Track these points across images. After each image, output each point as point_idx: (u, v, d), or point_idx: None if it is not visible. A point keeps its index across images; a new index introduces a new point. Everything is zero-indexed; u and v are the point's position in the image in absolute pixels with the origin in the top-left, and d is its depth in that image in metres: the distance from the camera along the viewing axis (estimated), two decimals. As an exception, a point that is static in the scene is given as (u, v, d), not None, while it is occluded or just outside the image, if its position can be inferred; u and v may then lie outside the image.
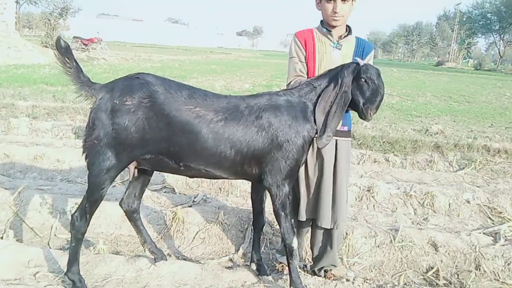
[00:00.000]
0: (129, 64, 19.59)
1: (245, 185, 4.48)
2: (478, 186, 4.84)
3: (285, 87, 2.82)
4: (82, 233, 2.54)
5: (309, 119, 2.52)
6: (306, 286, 2.68)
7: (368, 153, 5.95)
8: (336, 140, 2.79)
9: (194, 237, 3.51)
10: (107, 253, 3.16)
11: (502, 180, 5.21)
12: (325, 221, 2.83)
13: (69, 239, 3.36)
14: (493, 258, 3.29)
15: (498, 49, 63.00)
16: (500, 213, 4.28)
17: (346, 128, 2.86)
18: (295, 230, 3.02)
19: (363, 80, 2.47)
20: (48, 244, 3.39)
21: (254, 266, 2.96)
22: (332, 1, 2.66)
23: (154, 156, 2.45)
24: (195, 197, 4.05)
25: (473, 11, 61.70)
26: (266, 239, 3.50)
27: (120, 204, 2.87)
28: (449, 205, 4.38)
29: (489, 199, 4.43)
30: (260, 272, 2.91)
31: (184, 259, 3.25)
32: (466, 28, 62.98)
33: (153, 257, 2.94)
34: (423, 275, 3.25)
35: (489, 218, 4.23)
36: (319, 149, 2.77)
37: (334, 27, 2.75)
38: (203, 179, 4.54)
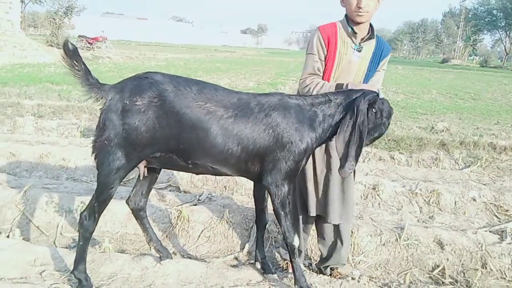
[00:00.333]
0: (134, 63, 19.62)
1: (250, 184, 4.43)
2: (484, 184, 4.81)
3: (298, 82, 2.80)
4: (90, 232, 2.55)
5: (315, 128, 2.52)
6: (311, 284, 2.67)
7: (373, 151, 5.93)
8: None
9: (199, 236, 3.51)
10: (112, 251, 3.18)
11: (509, 178, 5.19)
12: (334, 218, 2.85)
13: (75, 238, 3.40)
14: (499, 256, 3.28)
15: (504, 46, 62.61)
16: (507, 211, 4.26)
17: None
18: (302, 226, 3.03)
19: (373, 110, 2.49)
20: (54, 242, 3.41)
21: (258, 265, 2.96)
22: None
23: (164, 154, 2.45)
24: (200, 196, 4.05)
25: (479, 8, 61.38)
26: (271, 238, 3.50)
27: (127, 202, 2.88)
28: (455, 203, 4.36)
29: (495, 197, 4.41)
30: (265, 270, 2.91)
31: (190, 258, 3.25)
32: (471, 25, 62.71)
33: (158, 255, 2.95)
34: (429, 274, 3.24)
35: (495, 216, 4.20)
36: (327, 147, 2.77)
37: (358, 24, 2.66)
38: (208, 177, 4.57)
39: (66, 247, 3.27)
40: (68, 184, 4.24)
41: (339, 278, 2.96)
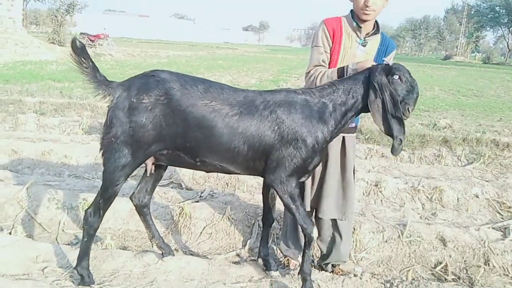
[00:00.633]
0: (136, 60, 19.62)
1: (252, 180, 4.48)
2: (487, 181, 4.79)
3: (304, 76, 2.78)
4: (95, 229, 2.56)
5: (326, 120, 2.47)
6: (314, 281, 2.66)
7: (375, 147, 5.92)
8: (344, 136, 2.80)
9: (201, 232, 3.51)
10: (114, 248, 3.17)
11: (511, 175, 5.17)
12: (327, 213, 2.86)
13: (77, 235, 3.41)
14: (502, 253, 3.26)
15: (507, 42, 62.44)
16: (509, 207, 4.24)
17: (353, 124, 2.86)
18: None
19: (396, 77, 2.42)
20: (56, 239, 3.41)
21: (261, 261, 2.96)
22: None
23: (171, 151, 2.45)
24: (202, 192, 4.05)
25: (481, 4, 61.13)
26: (273, 234, 3.50)
27: (131, 198, 2.88)
28: (457, 199, 4.35)
29: (498, 194, 4.39)
30: (267, 267, 2.91)
31: (191, 254, 3.25)
32: (474, 22, 62.44)
33: (160, 252, 2.95)
34: (432, 270, 3.23)
35: (498, 212, 4.19)
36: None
37: (364, 21, 2.65)
38: (210, 174, 4.57)
39: (68, 244, 3.28)
40: (70, 181, 4.24)
41: (341, 274, 2.95)
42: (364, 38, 2.71)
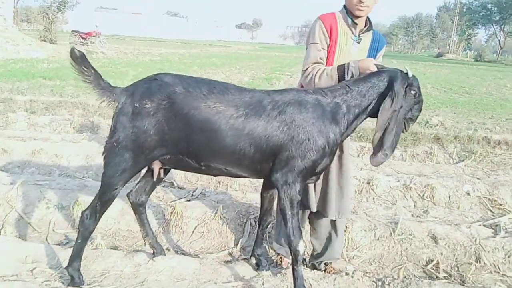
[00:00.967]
0: (128, 58, 19.51)
1: (244, 179, 4.46)
2: (478, 178, 4.82)
3: (301, 73, 2.75)
4: (90, 231, 2.54)
5: (338, 121, 2.43)
6: (305, 279, 2.65)
7: (368, 145, 5.91)
8: None
9: (193, 231, 3.50)
10: (105, 248, 3.15)
11: (503, 172, 5.20)
12: (332, 213, 2.85)
13: (68, 234, 3.38)
14: (493, 251, 3.28)
15: (499, 40, 62.84)
16: (501, 205, 4.26)
17: None
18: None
19: (413, 92, 2.42)
20: (46, 239, 3.37)
21: (254, 260, 2.95)
22: None
23: (174, 156, 2.42)
24: (194, 191, 4.03)
25: (474, 2, 61.54)
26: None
27: (128, 196, 2.86)
28: (449, 197, 4.37)
29: (489, 191, 4.41)
30: (259, 266, 2.90)
31: (183, 254, 3.23)
32: (466, 19, 62.70)
33: (151, 251, 2.93)
34: (423, 268, 3.24)
35: (489, 210, 4.21)
36: None
37: (358, 17, 2.65)
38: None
39: (59, 244, 3.25)
40: (60, 181, 4.20)
41: (333, 273, 2.95)
42: (358, 35, 2.71)
